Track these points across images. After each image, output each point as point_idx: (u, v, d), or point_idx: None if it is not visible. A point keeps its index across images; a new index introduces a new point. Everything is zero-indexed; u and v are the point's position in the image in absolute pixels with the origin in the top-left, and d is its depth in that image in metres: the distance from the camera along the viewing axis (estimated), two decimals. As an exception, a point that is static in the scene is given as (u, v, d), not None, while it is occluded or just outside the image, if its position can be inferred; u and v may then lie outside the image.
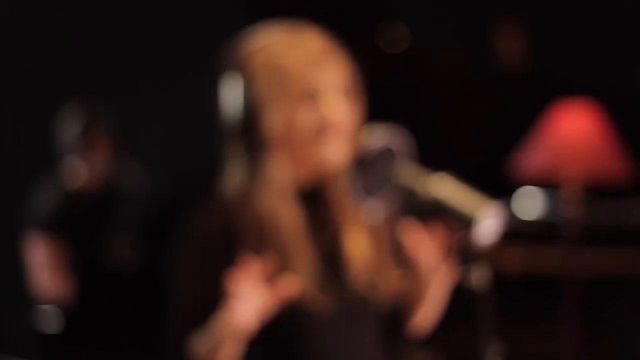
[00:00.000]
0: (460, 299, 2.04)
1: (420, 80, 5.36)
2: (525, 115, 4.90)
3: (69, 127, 5.13)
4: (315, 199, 2.24)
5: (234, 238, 2.15)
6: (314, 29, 2.23)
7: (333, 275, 2.22)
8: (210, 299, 2.12)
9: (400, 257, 2.24)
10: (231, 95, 2.20)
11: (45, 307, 4.75)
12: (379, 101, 5.28)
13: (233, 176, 2.22)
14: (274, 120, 2.16)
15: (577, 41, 6.43)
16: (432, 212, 2.03)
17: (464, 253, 2.00)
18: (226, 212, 2.18)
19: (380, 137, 2.10)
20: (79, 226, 5.11)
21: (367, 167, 2.11)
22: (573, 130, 4.15)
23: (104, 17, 6.62)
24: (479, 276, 1.97)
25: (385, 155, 2.12)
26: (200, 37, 4.71)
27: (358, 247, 2.23)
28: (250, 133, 2.18)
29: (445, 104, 5.34)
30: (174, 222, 4.50)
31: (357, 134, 2.22)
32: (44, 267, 5.01)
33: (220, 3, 6.44)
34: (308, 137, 2.17)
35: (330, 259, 2.22)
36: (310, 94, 2.17)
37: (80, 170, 5.12)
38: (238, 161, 2.21)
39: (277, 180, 2.18)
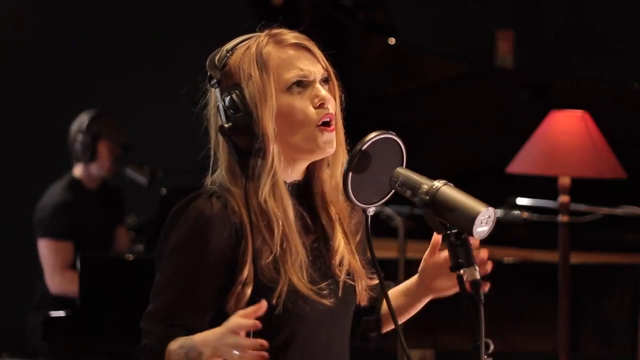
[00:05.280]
0: (456, 299, 2.07)
1: (418, 83, 5.38)
2: (523, 116, 4.93)
3: (78, 137, 5.20)
4: (304, 194, 2.29)
5: (232, 227, 2.18)
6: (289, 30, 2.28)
7: (320, 269, 2.26)
8: (205, 283, 2.15)
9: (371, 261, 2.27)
10: (222, 94, 2.22)
11: (55, 305, 4.80)
12: (378, 103, 5.32)
13: (227, 169, 2.24)
14: (266, 114, 2.18)
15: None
16: (429, 214, 2.04)
17: (460, 254, 2.02)
18: (224, 201, 2.19)
19: (375, 138, 2.12)
20: (86, 227, 5.16)
21: (364, 168, 2.12)
22: (566, 133, 4.20)
23: (104, 18, 6.65)
24: (474, 276, 2.00)
25: (382, 156, 2.13)
26: (201, 37, 4.74)
27: (341, 245, 2.27)
28: (244, 127, 2.19)
29: (442, 106, 5.35)
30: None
31: (340, 123, 2.27)
32: (54, 269, 5.06)
33: (221, 3, 6.47)
34: (301, 126, 2.21)
35: (317, 253, 2.27)
36: (299, 85, 2.22)
37: (88, 177, 5.26)
38: (232, 154, 2.22)
39: (272, 172, 2.19)
